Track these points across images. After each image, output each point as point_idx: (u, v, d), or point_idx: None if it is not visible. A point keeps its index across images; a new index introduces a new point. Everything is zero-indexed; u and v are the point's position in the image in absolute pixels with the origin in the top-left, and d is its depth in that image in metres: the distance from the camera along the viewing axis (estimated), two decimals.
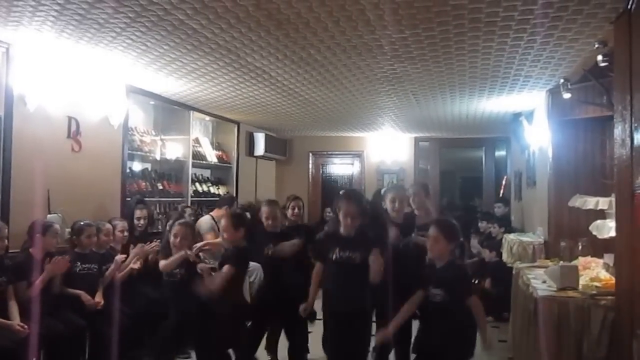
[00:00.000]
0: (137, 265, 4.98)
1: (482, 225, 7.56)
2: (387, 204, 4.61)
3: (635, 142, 3.07)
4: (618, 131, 3.42)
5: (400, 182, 10.55)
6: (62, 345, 4.12)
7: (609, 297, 3.58)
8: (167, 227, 4.99)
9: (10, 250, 4.35)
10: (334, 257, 3.85)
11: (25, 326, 3.84)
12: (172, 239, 4.23)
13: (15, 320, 3.93)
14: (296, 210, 5.20)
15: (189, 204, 7.44)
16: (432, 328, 3.54)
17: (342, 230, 3.88)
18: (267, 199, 5.39)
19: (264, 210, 4.85)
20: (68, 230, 4.92)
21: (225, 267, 3.97)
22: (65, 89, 5.07)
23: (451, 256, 3.59)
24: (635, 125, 3.07)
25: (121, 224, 5.32)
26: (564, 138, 5.65)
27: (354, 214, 3.82)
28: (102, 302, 4.58)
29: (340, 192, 4.20)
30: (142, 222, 5.68)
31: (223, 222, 4.18)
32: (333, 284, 3.91)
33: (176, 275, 4.13)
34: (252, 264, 4.98)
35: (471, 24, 3.84)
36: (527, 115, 7.08)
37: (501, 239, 6.88)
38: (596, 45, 3.97)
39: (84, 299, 4.53)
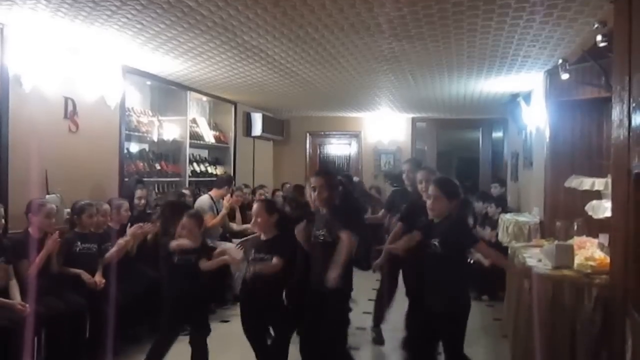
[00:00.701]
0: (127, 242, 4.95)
1: (479, 205, 7.58)
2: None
3: (633, 122, 3.07)
4: (616, 112, 3.42)
5: (397, 162, 10.58)
6: (62, 324, 4.15)
7: (603, 276, 3.61)
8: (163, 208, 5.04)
9: (11, 231, 4.37)
10: (312, 237, 3.93)
11: (27, 305, 3.86)
12: (179, 229, 4.16)
13: (16, 300, 3.95)
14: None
15: (187, 184, 7.46)
16: (431, 279, 3.57)
17: (316, 206, 3.98)
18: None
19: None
20: (67, 210, 4.93)
21: (275, 260, 3.89)
22: (61, 69, 5.04)
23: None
24: (634, 105, 3.07)
25: (125, 204, 5.35)
26: (562, 119, 5.65)
27: (317, 185, 3.90)
28: (103, 281, 4.59)
29: None
30: (142, 201, 5.79)
31: (255, 207, 4.13)
32: (311, 263, 3.97)
33: (190, 260, 4.11)
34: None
35: (470, 2, 3.81)
36: (525, 96, 7.07)
37: (497, 219, 6.91)
38: (595, 25, 3.95)
39: (85, 277, 4.55)
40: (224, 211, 6.35)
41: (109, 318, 4.15)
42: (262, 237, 4.10)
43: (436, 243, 3.50)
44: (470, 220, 7.74)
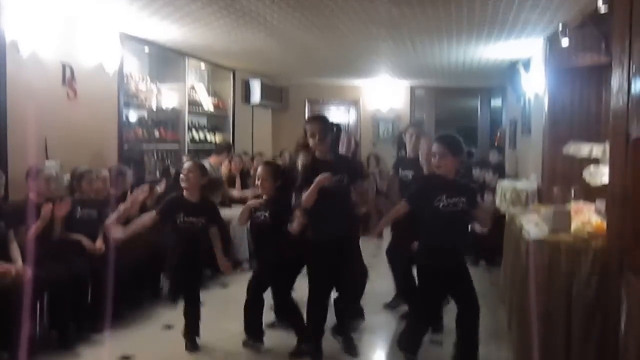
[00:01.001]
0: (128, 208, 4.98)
1: (477, 172, 7.60)
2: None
3: (633, 88, 3.07)
4: (616, 77, 3.42)
5: (395, 130, 10.58)
6: (64, 288, 4.18)
7: (600, 241, 3.64)
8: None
9: (12, 198, 4.38)
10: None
11: (27, 269, 3.87)
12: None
13: (18, 263, 3.97)
14: None
15: (186, 152, 7.47)
16: (444, 235, 3.64)
17: (318, 155, 4.01)
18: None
19: None
20: (67, 176, 4.94)
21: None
22: (58, 35, 5.01)
23: (457, 174, 3.72)
24: (634, 70, 3.07)
25: (126, 171, 5.38)
26: (561, 86, 5.64)
27: (315, 132, 3.94)
28: (104, 247, 4.63)
29: None
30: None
31: (261, 170, 4.22)
32: (320, 211, 3.96)
33: (198, 224, 4.18)
34: None
35: None
36: (524, 63, 7.05)
37: (495, 187, 6.94)
38: None
39: (85, 243, 4.58)
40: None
41: (110, 283, 4.17)
42: (264, 197, 4.23)
43: (464, 200, 3.60)
44: None
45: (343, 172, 3.95)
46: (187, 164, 4.29)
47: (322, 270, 3.97)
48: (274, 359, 4.13)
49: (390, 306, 5.20)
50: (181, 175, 4.20)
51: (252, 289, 4.23)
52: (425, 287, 3.80)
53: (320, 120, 4.11)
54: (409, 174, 4.78)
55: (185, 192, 4.18)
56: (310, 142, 4.00)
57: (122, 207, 4.85)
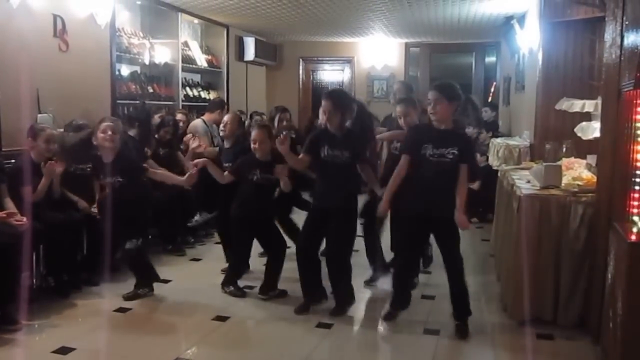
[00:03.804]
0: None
1: (469, 130, 7.60)
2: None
3: (625, 41, 3.08)
4: (609, 30, 3.43)
5: (390, 88, 10.52)
6: (60, 237, 4.22)
7: (590, 195, 3.70)
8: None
9: (5, 149, 4.38)
10: (322, 154, 3.97)
11: (24, 219, 3.86)
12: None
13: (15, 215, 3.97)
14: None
15: (181, 107, 7.43)
16: (430, 185, 3.65)
17: (330, 128, 4.01)
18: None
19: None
20: (60, 130, 4.92)
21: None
22: None
23: (454, 123, 3.73)
24: (626, 23, 3.07)
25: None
26: (555, 41, 5.62)
27: (325, 109, 3.95)
28: (98, 213, 4.59)
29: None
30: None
31: (257, 132, 4.28)
32: (320, 180, 4.10)
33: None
34: None
35: None
36: (519, 18, 7.01)
37: (488, 144, 6.97)
38: None
39: (81, 205, 4.58)
40: None
41: (106, 232, 4.20)
42: (260, 158, 4.28)
43: (455, 151, 3.59)
44: None
45: (345, 149, 3.95)
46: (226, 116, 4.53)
47: (305, 228, 4.17)
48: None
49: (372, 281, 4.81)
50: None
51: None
52: (404, 234, 3.90)
53: (331, 98, 4.02)
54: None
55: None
56: (320, 117, 4.04)
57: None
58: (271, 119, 6.03)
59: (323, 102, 4.00)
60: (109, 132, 4.15)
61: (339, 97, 4.09)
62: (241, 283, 4.47)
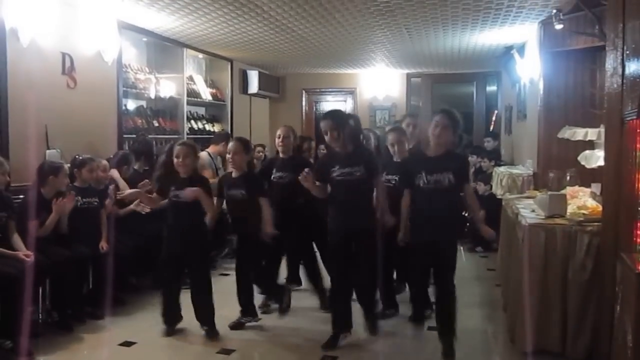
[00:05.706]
0: (145, 210, 5.07)
1: (473, 159, 7.65)
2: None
3: (627, 70, 3.12)
4: (610, 60, 3.46)
5: (392, 118, 10.59)
6: (66, 272, 4.24)
7: (595, 224, 3.68)
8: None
9: (13, 184, 4.42)
10: (334, 175, 3.94)
11: (31, 254, 3.91)
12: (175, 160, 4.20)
13: (21, 251, 4.01)
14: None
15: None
16: (426, 213, 3.68)
17: (335, 147, 4.02)
18: None
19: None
20: (67, 165, 4.97)
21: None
22: (57, 23, 5.01)
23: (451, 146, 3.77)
24: (627, 53, 3.11)
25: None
26: (555, 70, 5.68)
27: (330, 128, 3.93)
28: (106, 247, 4.65)
29: None
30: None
31: (233, 145, 4.36)
32: (336, 204, 4.01)
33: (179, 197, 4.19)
34: None
35: None
36: (519, 48, 7.08)
37: (491, 173, 7.00)
38: None
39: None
40: None
41: (111, 268, 4.22)
42: (234, 174, 4.37)
43: (450, 176, 3.62)
44: None
45: (357, 165, 3.89)
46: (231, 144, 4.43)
47: (334, 264, 4.09)
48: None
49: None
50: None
51: (237, 270, 4.43)
52: (410, 264, 3.91)
53: (330, 117, 4.03)
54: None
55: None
56: (326, 138, 4.01)
57: (112, 188, 4.98)
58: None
59: (322, 124, 4.01)
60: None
61: (334, 114, 4.12)
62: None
